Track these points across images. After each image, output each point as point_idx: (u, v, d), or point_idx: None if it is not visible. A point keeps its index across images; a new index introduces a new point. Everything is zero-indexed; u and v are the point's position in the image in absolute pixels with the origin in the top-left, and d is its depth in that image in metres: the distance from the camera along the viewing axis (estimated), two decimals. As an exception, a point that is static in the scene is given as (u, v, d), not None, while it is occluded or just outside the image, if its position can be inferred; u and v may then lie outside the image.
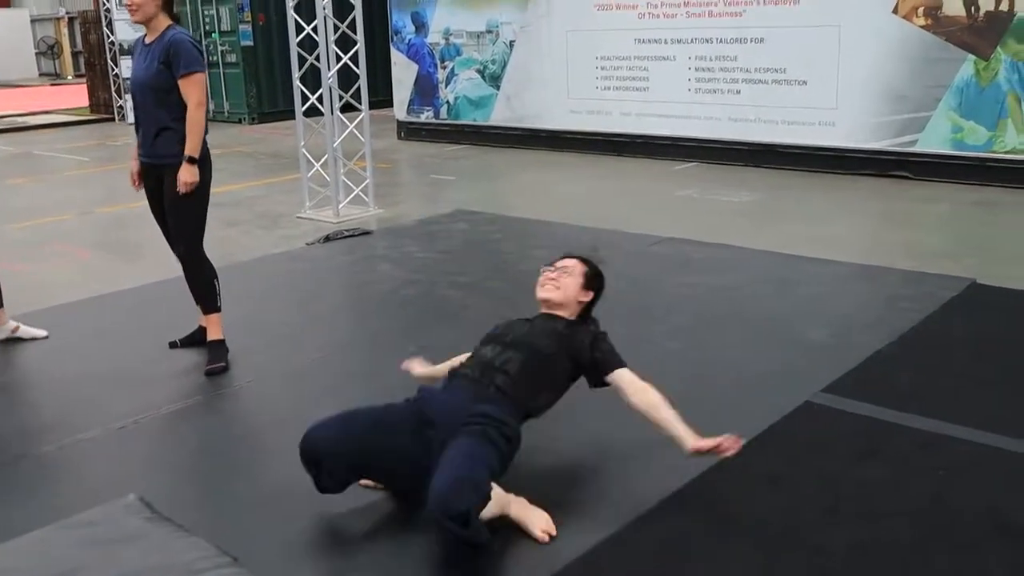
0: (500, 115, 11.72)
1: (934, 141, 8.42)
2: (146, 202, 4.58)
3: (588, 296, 3.30)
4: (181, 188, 4.22)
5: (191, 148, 4.22)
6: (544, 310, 3.30)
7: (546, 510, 2.89)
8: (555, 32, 10.91)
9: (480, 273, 5.88)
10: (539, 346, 3.12)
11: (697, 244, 6.28)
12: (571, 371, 3.18)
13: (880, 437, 3.42)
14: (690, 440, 2.93)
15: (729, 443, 2.89)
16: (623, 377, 3.10)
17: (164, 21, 4.28)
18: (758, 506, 3.00)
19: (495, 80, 11.68)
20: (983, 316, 4.78)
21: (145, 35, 4.33)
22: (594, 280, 3.32)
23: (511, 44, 11.39)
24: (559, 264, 3.35)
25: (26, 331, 4.90)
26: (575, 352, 3.15)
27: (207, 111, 4.34)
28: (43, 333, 4.91)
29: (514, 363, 3.05)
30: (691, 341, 4.50)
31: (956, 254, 6.07)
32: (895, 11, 8.38)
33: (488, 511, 2.69)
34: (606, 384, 3.14)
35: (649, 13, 10.06)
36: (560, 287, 3.26)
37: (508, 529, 2.82)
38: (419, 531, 2.83)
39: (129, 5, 4.23)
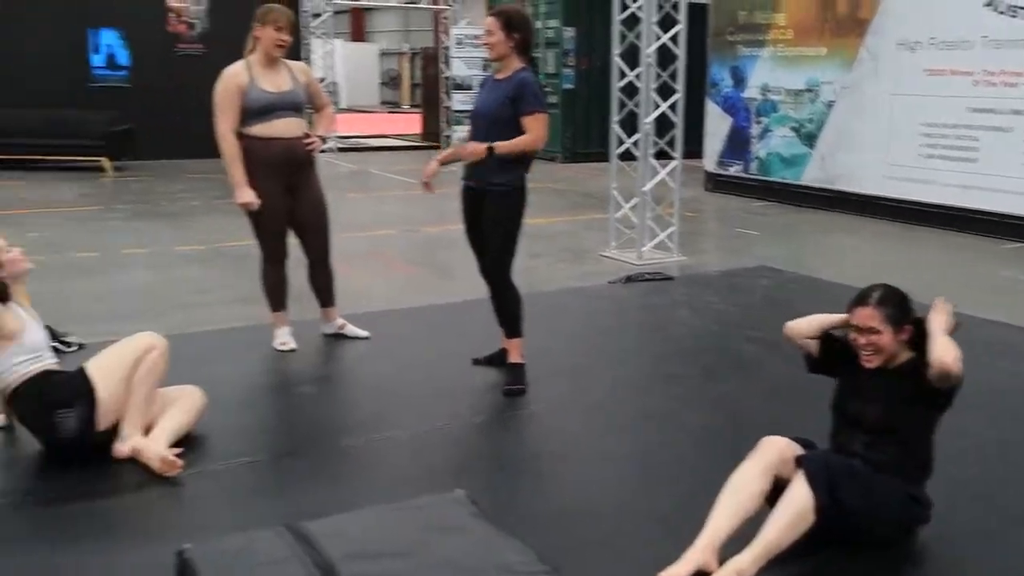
0: (811, 175, 11.43)
1: None
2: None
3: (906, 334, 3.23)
4: (464, 152, 4.46)
5: (504, 148, 4.39)
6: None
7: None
8: (879, 94, 10.50)
9: (778, 331, 5.75)
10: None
11: (1020, 330, 5.79)
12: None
13: None
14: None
15: None
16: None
17: (517, 62, 4.53)
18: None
19: (810, 139, 11.41)
20: None
21: (497, 72, 4.63)
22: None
23: (830, 104, 11.09)
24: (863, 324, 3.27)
25: (351, 330, 5.41)
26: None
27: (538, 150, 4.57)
28: (365, 333, 5.39)
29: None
30: (1014, 433, 4.17)
31: None
32: None
33: None
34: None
35: (986, 80, 9.42)
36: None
37: None
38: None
39: (486, 44, 4.59)
